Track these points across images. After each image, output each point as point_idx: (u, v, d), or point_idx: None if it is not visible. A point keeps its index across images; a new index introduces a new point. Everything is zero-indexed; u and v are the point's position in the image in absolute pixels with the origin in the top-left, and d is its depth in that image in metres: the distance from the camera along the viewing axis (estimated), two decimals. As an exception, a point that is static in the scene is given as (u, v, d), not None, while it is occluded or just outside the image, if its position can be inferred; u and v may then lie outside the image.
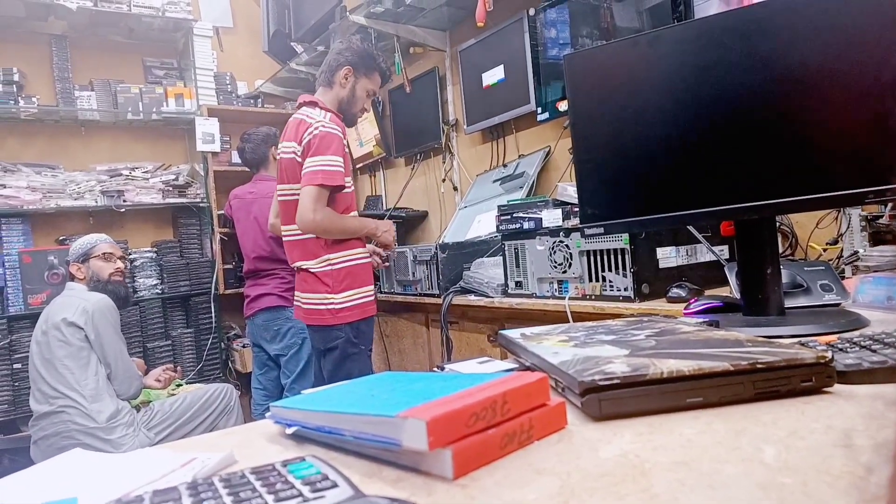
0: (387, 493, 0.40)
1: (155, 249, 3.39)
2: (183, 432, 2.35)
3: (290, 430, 0.54)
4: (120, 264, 2.48)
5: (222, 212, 3.41)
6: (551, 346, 0.67)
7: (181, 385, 2.77)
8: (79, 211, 3.22)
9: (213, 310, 3.42)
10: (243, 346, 3.37)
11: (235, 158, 3.59)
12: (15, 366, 2.93)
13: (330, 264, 1.88)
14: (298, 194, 1.87)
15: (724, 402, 0.51)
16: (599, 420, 0.50)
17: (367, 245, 2.02)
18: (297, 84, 3.66)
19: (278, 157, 2.01)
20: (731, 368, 0.51)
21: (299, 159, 1.88)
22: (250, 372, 3.03)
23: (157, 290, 3.34)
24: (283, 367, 2.61)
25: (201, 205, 3.45)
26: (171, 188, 3.40)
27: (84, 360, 2.20)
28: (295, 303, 2.04)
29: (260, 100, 3.76)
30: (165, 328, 3.35)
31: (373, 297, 1.97)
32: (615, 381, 0.50)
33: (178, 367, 2.94)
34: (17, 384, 2.92)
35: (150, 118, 3.42)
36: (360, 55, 2.00)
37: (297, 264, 1.96)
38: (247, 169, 3.02)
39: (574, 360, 0.58)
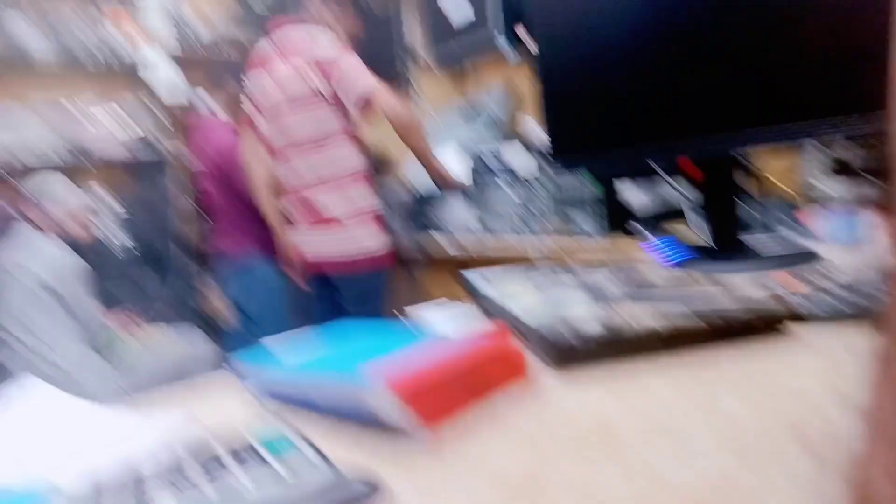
0: (356, 458, 0.40)
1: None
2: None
3: (261, 399, 0.54)
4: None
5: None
6: (514, 292, 0.67)
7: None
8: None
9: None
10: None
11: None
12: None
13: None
14: None
15: (691, 351, 0.52)
16: (564, 371, 0.51)
17: None
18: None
19: None
20: (704, 326, 0.52)
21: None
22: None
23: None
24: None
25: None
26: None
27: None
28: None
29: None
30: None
31: None
32: (589, 344, 0.51)
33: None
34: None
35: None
36: None
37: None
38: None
39: (541, 311, 0.58)
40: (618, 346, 0.51)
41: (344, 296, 1.95)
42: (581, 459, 0.37)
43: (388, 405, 0.40)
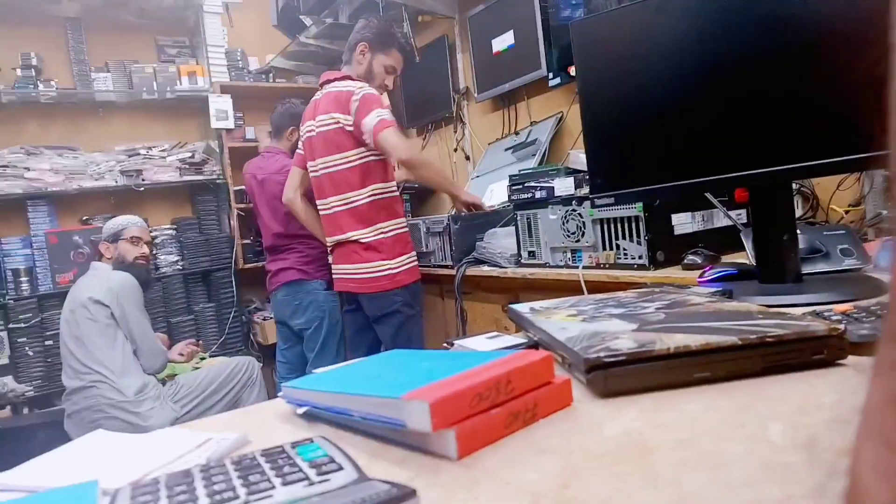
0: (392, 473, 0.40)
1: (174, 226, 3.44)
2: (208, 405, 2.42)
3: (300, 411, 0.56)
4: (146, 249, 2.53)
5: (239, 188, 3.43)
6: (559, 320, 0.67)
7: (205, 359, 2.83)
8: (100, 191, 3.27)
9: (233, 284, 3.47)
10: (264, 319, 3.43)
11: (250, 134, 3.59)
12: (47, 343, 3.03)
13: (382, 232, 1.98)
14: (346, 163, 1.97)
15: (732, 377, 0.51)
16: (605, 397, 0.50)
17: None
18: (308, 57, 3.62)
19: (315, 133, 2.04)
20: (739, 343, 0.50)
21: (349, 127, 1.94)
22: (272, 344, 3.08)
23: (178, 267, 3.40)
24: (306, 341, 2.64)
25: (218, 181, 3.48)
26: (187, 166, 3.43)
27: (111, 337, 2.26)
28: (339, 276, 2.10)
29: (271, 74, 3.74)
30: (188, 303, 3.42)
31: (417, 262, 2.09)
32: (620, 358, 0.50)
33: (201, 341, 3.01)
34: (49, 360, 3.01)
35: (164, 97, 3.43)
36: (375, 31, 2.09)
37: (344, 236, 2.01)
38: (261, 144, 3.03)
39: (581, 335, 0.57)
40: (660, 370, 0.50)
41: (367, 313, 2.06)
42: (612, 477, 0.36)
43: (427, 426, 0.40)
